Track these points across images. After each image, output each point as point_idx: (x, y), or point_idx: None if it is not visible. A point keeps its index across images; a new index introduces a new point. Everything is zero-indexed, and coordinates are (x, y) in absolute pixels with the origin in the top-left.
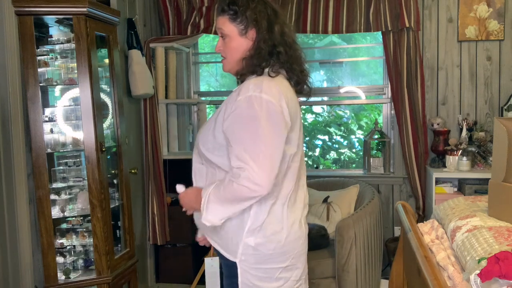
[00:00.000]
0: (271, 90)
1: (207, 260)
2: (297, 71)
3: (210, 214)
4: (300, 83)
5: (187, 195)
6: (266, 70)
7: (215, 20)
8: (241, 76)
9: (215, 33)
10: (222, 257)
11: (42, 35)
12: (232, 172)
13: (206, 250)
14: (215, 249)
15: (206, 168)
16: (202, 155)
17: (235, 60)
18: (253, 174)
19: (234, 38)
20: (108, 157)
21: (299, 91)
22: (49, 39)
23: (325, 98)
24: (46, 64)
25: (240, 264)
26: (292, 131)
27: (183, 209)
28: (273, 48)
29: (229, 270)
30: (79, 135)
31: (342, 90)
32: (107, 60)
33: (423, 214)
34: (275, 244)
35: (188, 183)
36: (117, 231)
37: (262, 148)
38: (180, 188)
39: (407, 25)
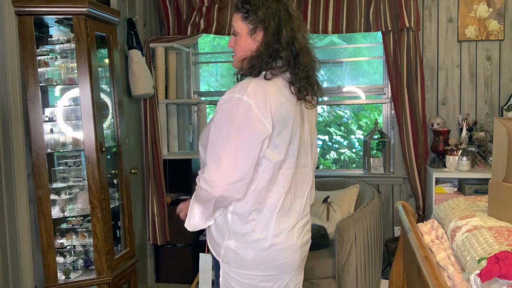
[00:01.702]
0: (255, 93)
1: (202, 256)
2: (301, 78)
3: (192, 219)
4: (302, 90)
5: (185, 204)
6: (263, 72)
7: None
8: (241, 77)
9: (215, 33)
10: (212, 255)
11: (42, 35)
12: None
13: (205, 250)
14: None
15: None
16: (203, 158)
17: (242, 58)
18: (208, 175)
19: (243, 37)
20: (108, 157)
21: (301, 97)
22: (49, 39)
23: (325, 98)
24: (46, 64)
25: (222, 265)
26: (279, 136)
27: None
28: (277, 53)
29: (216, 269)
30: (79, 135)
31: (342, 90)
32: (107, 60)
33: (423, 214)
34: (256, 252)
35: (187, 183)
36: (117, 231)
37: (226, 149)
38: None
39: (407, 25)
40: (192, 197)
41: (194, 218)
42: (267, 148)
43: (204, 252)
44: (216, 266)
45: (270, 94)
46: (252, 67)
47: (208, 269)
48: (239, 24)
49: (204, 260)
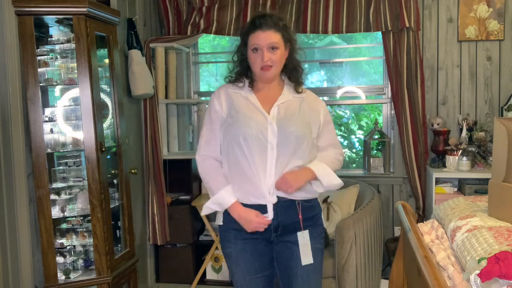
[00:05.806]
0: None
1: (299, 234)
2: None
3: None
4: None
5: (294, 174)
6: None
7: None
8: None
9: (215, 33)
10: (306, 210)
11: (42, 35)
12: (337, 150)
13: (205, 250)
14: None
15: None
16: (296, 152)
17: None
18: (341, 151)
19: (281, 49)
20: (108, 157)
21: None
22: (49, 39)
23: (325, 98)
24: (46, 64)
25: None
26: None
27: (286, 189)
28: (298, 63)
29: (315, 231)
30: (79, 135)
31: (342, 90)
32: (107, 60)
33: (423, 214)
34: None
35: (187, 182)
36: (117, 231)
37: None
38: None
39: (407, 25)
40: (325, 165)
41: (335, 179)
42: None
43: (203, 255)
44: (312, 227)
45: None
46: (296, 78)
47: (307, 243)
48: (279, 40)
49: (302, 236)
